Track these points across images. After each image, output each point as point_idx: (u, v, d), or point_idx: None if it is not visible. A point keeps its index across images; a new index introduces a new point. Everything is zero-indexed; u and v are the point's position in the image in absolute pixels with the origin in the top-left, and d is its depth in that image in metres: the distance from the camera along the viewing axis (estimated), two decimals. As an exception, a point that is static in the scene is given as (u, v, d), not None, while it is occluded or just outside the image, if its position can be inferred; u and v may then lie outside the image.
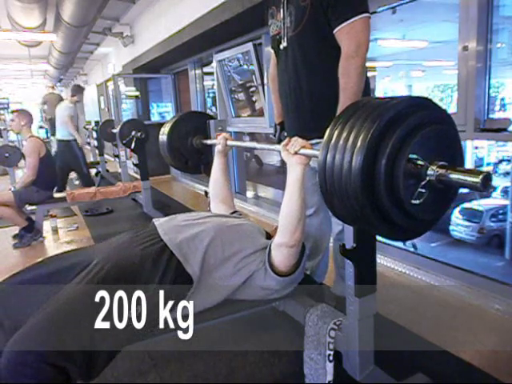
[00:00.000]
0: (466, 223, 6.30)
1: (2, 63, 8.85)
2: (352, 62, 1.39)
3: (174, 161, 2.04)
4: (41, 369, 0.96)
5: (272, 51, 1.74)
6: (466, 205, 6.72)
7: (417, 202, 0.86)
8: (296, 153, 1.22)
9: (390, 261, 2.41)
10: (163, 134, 2.03)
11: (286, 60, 1.61)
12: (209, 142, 1.94)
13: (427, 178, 0.86)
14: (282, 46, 1.61)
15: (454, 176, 0.84)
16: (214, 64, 4.11)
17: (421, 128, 0.87)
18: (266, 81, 3.34)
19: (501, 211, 6.21)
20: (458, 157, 0.94)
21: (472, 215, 6.32)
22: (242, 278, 1.32)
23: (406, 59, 6.06)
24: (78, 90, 5.11)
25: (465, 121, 1.90)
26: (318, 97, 1.53)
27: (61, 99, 7.49)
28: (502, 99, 6.50)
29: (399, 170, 0.84)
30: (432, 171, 0.85)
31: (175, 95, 6.02)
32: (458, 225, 6.41)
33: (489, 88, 1.87)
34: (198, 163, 2.07)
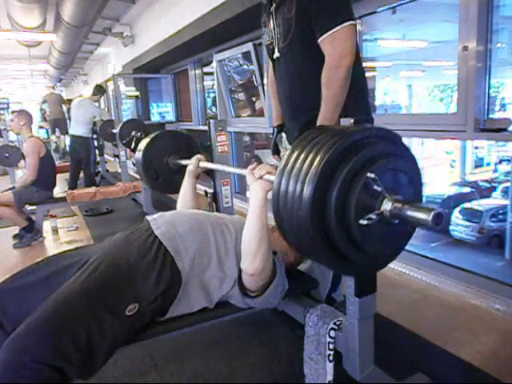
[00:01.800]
0: (466, 223, 6.30)
1: (2, 63, 8.85)
2: (334, 72, 1.37)
3: (145, 175, 2.05)
4: (37, 369, 0.96)
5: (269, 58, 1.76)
6: (466, 205, 6.73)
7: (364, 222, 0.83)
8: (261, 177, 1.21)
9: (390, 261, 2.40)
10: (139, 150, 2.05)
11: (280, 69, 1.62)
12: (183, 162, 1.95)
13: (381, 210, 0.84)
14: (275, 56, 1.61)
15: (408, 212, 0.82)
16: (214, 64, 4.11)
17: (377, 160, 0.85)
18: (265, 81, 3.34)
19: (501, 211, 6.21)
20: (416, 193, 0.93)
21: (472, 215, 6.32)
22: (228, 286, 1.30)
23: (406, 59, 6.05)
24: (99, 91, 5.19)
25: (465, 121, 1.90)
26: (314, 105, 1.49)
27: (61, 99, 7.51)
28: (502, 99, 6.50)
29: (351, 202, 0.82)
30: (386, 205, 0.83)
31: (175, 95, 6.02)
32: (458, 225, 6.41)
33: (489, 88, 1.87)
34: (169, 182, 2.07)
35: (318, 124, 1.44)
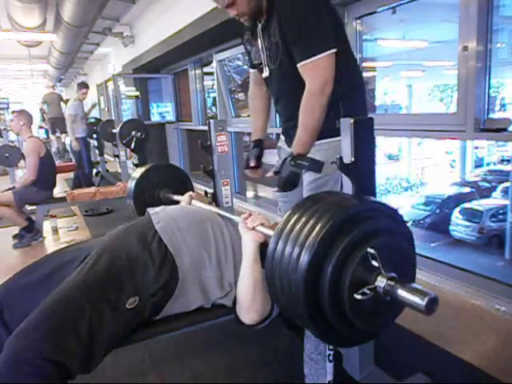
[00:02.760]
0: (466, 223, 6.31)
1: (2, 63, 8.85)
2: (317, 99, 1.36)
3: (134, 204, 2.05)
4: (40, 365, 0.96)
5: (251, 70, 1.74)
6: (466, 205, 6.73)
7: (359, 297, 0.82)
8: (254, 228, 1.20)
9: (389, 261, 2.40)
10: (133, 179, 2.05)
11: (272, 87, 1.62)
12: (175, 197, 1.94)
13: (375, 285, 0.83)
14: (265, 76, 1.60)
15: (401, 292, 0.81)
16: (214, 64, 4.11)
17: (375, 235, 0.84)
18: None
19: (501, 211, 6.22)
20: (410, 271, 0.93)
21: (472, 215, 6.32)
22: (227, 288, 1.29)
23: (406, 59, 6.05)
24: (80, 86, 5.23)
25: (465, 121, 1.89)
26: None
27: (61, 99, 7.52)
28: (502, 99, 6.50)
29: (346, 277, 0.81)
30: (380, 283, 0.83)
31: (175, 95, 6.02)
32: (458, 225, 6.42)
33: (489, 88, 1.86)
34: None
35: (294, 148, 1.42)
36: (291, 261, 0.83)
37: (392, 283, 0.82)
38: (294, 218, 0.88)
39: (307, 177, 1.57)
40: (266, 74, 1.59)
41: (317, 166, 1.35)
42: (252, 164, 1.72)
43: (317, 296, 0.83)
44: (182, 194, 1.84)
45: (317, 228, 0.82)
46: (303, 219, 0.86)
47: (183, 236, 1.28)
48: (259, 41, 1.53)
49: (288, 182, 1.42)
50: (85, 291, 1.09)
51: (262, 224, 1.20)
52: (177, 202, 1.84)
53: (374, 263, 0.82)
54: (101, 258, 1.17)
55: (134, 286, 1.15)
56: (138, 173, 2.07)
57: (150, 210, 1.40)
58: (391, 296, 0.83)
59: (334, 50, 1.36)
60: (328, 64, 1.35)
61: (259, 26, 1.50)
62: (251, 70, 1.74)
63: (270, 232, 1.14)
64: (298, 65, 1.39)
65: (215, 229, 1.35)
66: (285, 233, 0.88)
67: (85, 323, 1.03)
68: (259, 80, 1.70)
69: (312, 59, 1.34)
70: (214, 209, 1.71)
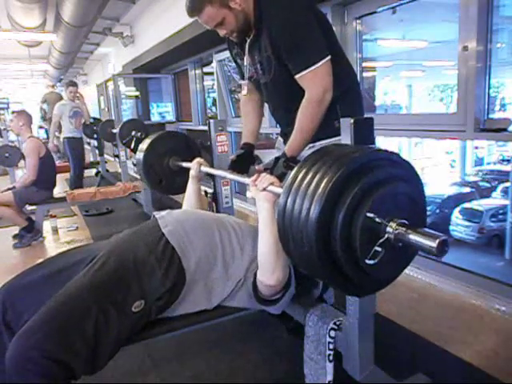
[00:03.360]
0: (466, 223, 6.30)
1: (2, 63, 8.85)
2: (317, 106, 1.38)
3: (147, 179, 2.03)
4: (45, 365, 0.96)
5: (242, 81, 1.74)
6: (466, 205, 6.73)
7: (371, 262, 0.82)
8: (264, 189, 1.20)
9: (390, 261, 2.40)
10: (141, 151, 2.02)
11: (268, 98, 1.64)
12: (184, 164, 1.92)
13: (385, 236, 0.83)
14: (261, 87, 1.61)
15: (413, 237, 0.81)
16: (213, 64, 4.11)
17: (384, 183, 0.85)
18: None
19: (501, 211, 6.21)
20: (421, 217, 0.93)
21: (472, 215, 6.32)
22: (229, 289, 1.30)
23: (406, 59, 6.04)
24: (67, 85, 5.20)
25: (465, 121, 1.90)
26: None
27: (61, 98, 7.55)
28: (502, 99, 6.50)
29: (357, 225, 0.82)
30: (391, 229, 0.83)
31: (175, 95, 6.02)
32: (458, 225, 6.41)
33: (489, 88, 1.86)
34: (171, 185, 2.05)
35: (287, 150, 1.44)
36: (302, 215, 0.84)
37: (402, 229, 0.82)
38: (302, 173, 0.88)
39: None
40: (262, 86, 1.59)
41: None
42: (232, 157, 1.70)
43: (329, 248, 0.84)
44: (191, 161, 1.81)
45: (324, 180, 0.82)
46: (311, 173, 0.86)
47: (190, 238, 1.28)
48: (248, 57, 1.55)
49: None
50: (92, 292, 1.09)
51: (271, 183, 1.20)
52: (186, 170, 1.82)
53: (378, 220, 0.83)
54: (109, 260, 1.18)
55: (141, 289, 1.16)
56: (145, 144, 2.04)
57: (157, 214, 1.41)
58: (402, 242, 0.83)
59: (329, 57, 1.37)
60: (325, 71, 1.37)
61: (248, 41, 1.51)
62: (242, 82, 1.75)
63: (281, 190, 1.15)
64: (296, 76, 1.40)
65: (221, 230, 1.35)
66: (294, 188, 0.88)
67: (91, 324, 1.04)
68: (251, 88, 1.71)
69: (310, 69, 1.36)
70: (222, 173, 1.67)
